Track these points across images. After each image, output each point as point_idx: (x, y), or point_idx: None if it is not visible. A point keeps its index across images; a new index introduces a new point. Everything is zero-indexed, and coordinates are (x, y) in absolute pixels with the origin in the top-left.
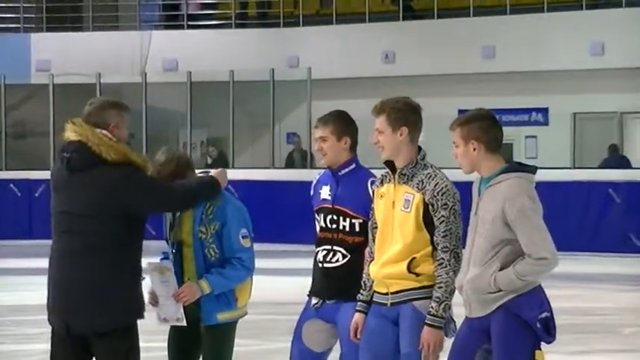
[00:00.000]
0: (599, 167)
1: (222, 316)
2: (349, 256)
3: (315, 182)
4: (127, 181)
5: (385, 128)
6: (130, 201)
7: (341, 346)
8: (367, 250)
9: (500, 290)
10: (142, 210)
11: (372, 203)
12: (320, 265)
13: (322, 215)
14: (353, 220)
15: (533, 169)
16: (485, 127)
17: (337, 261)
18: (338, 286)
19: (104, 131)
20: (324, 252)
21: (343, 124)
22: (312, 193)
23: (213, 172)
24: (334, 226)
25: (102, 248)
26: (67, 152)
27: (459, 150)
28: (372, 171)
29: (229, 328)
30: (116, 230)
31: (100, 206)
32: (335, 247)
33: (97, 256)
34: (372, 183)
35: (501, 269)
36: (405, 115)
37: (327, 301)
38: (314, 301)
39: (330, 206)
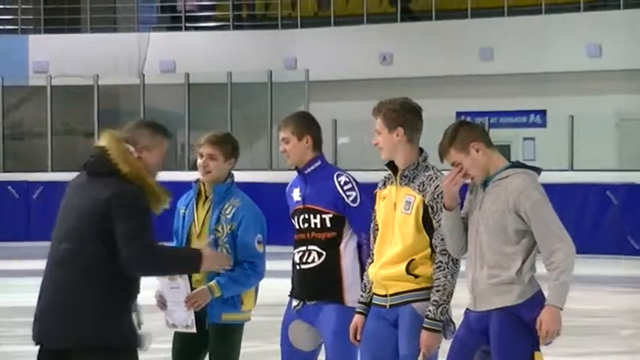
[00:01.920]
0: None
1: (227, 317)
2: (324, 254)
3: (287, 188)
4: (120, 201)
5: (382, 129)
6: (113, 222)
7: (326, 350)
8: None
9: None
10: (117, 239)
11: (374, 205)
12: (297, 267)
13: (297, 217)
14: (323, 216)
15: (537, 169)
16: (471, 129)
17: (313, 261)
18: (315, 287)
19: (131, 147)
20: (300, 253)
21: (303, 123)
22: (287, 199)
23: (208, 252)
24: (306, 225)
25: (87, 262)
26: (91, 157)
27: (467, 162)
28: (370, 173)
29: (234, 330)
30: (105, 247)
31: (97, 215)
32: (309, 247)
33: (81, 269)
34: (339, 176)
35: (523, 263)
36: (401, 115)
37: (308, 303)
38: (294, 303)
39: (302, 206)
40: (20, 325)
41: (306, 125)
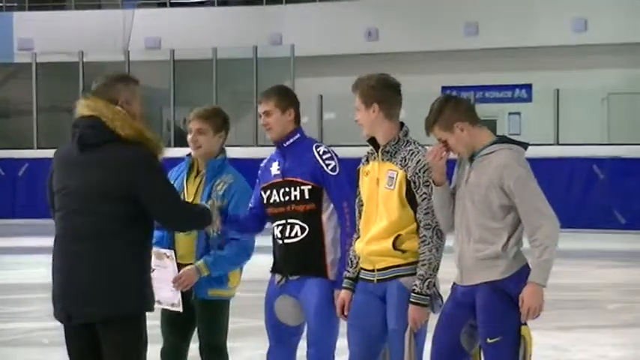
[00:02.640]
0: None
1: (213, 292)
2: (307, 228)
3: (265, 161)
4: (143, 168)
5: (360, 105)
6: (141, 189)
7: (308, 324)
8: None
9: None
10: (149, 203)
11: (358, 181)
12: (280, 241)
13: (274, 190)
14: (302, 187)
15: (524, 144)
16: (455, 107)
17: (296, 235)
18: (299, 261)
19: (117, 107)
20: (280, 227)
21: (286, 96)
22: (260, 172)
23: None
24: (286, 198)
25: (109, 230)
26: (80, 128)
27: (451, 140)
28: (356, 149)
29: (221, 305)
30: (126, 212)
31: (112, 185)
32: (290, 220)
33: (104, 238)
34: (318, 147)
35: (509, 238)
36: (377, 91)
37: (290, 277)
38: (277, 278)
39: (281, 179)
40: (6, 303)
41: (289, 98)
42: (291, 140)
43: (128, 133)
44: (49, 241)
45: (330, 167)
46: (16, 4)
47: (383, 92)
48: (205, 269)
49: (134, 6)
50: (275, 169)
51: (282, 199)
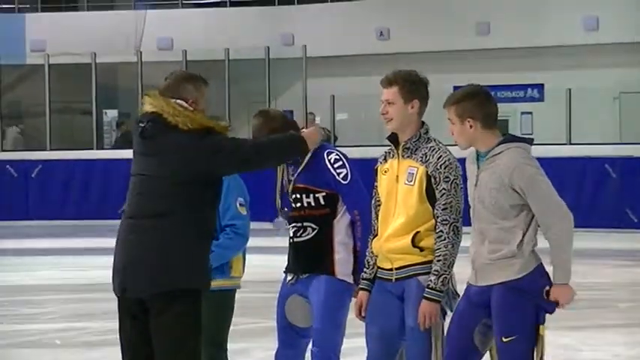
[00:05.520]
0: None
1: (216, 283)
2: (318, 228)
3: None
4: (198, 142)
5: (397, 99)
6: (201, 163)
7: (314, 320)
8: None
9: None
10: (215, 170)
11: (376, 180)
12: (291, 240)
13: (290, 196)
14: (317, 195)
15: (529, 140)
16: (479, 104)
17: (307, 234)
18: (308, 259)
19: (179, 100)
20: (295, 228)
21: None
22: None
23: (306, 131)
24: (299, 204)
25: (170, 211)
26: (143, 122)
27: (455, 128)
28: (369, 149)
29: (225, 296)
30: (188, 194)
31: (170, 168)
32: (305, 223)
33: (165, 219)
34: (329, 154)
35: (523, 236)
36: (419, 88)
37: (301, 276)
38: (289, 277)
39: (295, 186)
40: (20, 304)
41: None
42: None
43: (190, 127)
44: (62, 243)
45: (341, 176)
46: (28, 6)
47: (421, 89)
48: None
49: (146, 7)
50: (289, 175)
51: (296, 204)
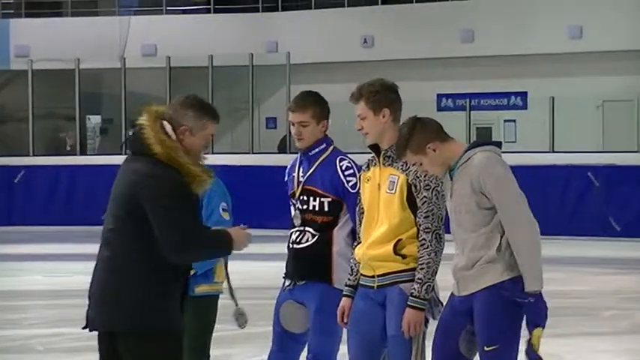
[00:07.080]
0: None
1: (200, 289)
2: (317, 235)
3: (289, 167)
4: (151, 183)
5: (367, 112)
6: (144, 205)
7: (310, 328)
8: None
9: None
10: (153, 223)
11: (359, 188)
12: (291, 246)
13: (296, 198)
14: (322, 199)
15: (498, 143)
16: (425, 127)
17: (306, 241)
18: (306, 266)
19: (169, 126)
20: (297, 233)
21: (324, 108)
22: (286, 178)
23: (234, 231)
24: (305, 206)
25: (125, 241)
26: (132, 134)
27: (426, 163)
28: (352, 156)
29: (209, 301)
30: (134, 228)
31: (122, 190)
32: (306, 228)
33: (120, 248)
34: (341, 161)
35: (501, 238)
36: (384, 95)
37: (298, 283)
38: (287, 283)
39: (302, 187)
40: (2, 310)
41: (326, 109)
42: (317, 149)
43: (160, 152)
44: (45, 249)
45: (350, 184)
46: (12, 11)
47: (389, 96)
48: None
49: (130, 13)
50: (299, 175)
51: (301, 206)
